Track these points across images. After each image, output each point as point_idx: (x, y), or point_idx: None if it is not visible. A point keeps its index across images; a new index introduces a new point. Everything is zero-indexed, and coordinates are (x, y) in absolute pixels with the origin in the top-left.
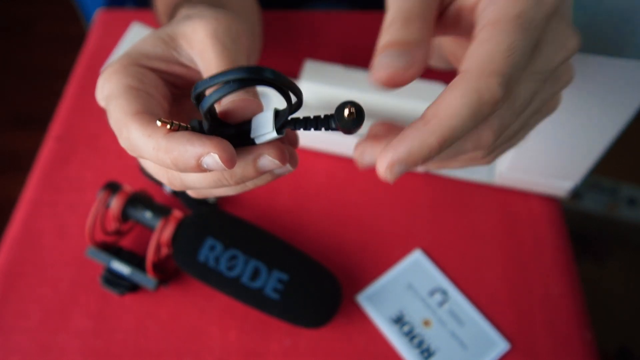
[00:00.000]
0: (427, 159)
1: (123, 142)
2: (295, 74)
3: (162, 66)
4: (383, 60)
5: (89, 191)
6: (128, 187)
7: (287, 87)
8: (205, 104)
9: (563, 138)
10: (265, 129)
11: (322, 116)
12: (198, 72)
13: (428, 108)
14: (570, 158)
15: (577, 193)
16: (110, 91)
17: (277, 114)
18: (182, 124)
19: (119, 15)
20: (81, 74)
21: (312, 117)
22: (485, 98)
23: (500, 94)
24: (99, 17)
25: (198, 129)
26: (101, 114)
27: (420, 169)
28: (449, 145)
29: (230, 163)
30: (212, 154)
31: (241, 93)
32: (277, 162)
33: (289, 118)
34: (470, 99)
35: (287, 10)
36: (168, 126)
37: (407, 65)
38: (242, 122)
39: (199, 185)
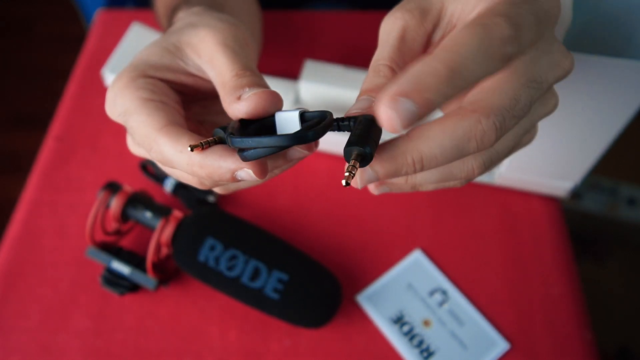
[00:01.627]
0: (435, 93)
1: (155, 156)
2: (295, 74)
3: (169, 76)
4: (355, 106)
5: (89, 191)
6: (128, 187)
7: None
8: (247, 159)
9: (563, 138)
10: (291, 131)
11: (342, 120)
12: (206, 81)
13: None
14: (570, 158)
15: (577, 193)
16: (125, 107)
17: (302, 116)
18: (210, 139)
19: (119, 15)
20: (81, 74)
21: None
22: (494, 32)
23: (509, 30)
24: (99, 17)
25: (225, 138)
26: (101, 114)
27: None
28: (461, 83)
29: (262, 175)
30: (245, 169)
31: (266, 91)
32: (306, 152)
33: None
34: (477, 30)
35: (287, 10)
36: (200, 148)
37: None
38: (266, 117)
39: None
